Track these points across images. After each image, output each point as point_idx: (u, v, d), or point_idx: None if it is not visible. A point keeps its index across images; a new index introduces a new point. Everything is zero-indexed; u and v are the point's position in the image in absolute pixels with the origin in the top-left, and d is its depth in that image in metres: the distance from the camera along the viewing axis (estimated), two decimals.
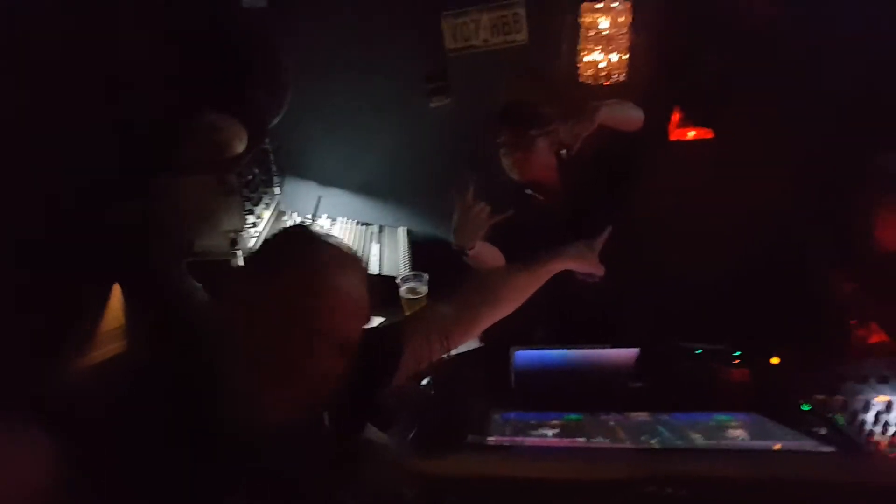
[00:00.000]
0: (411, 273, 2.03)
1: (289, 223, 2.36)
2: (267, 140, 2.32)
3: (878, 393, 1.41)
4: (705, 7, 2.15)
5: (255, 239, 2.03)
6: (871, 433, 1.29)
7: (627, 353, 1.51)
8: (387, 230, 2.47)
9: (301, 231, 0.95)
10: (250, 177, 2.06)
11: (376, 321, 2.04)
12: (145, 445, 0.74)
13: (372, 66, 2.31)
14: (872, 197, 1.78)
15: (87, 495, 0.67)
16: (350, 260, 0.89)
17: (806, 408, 1.42)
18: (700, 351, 1.70)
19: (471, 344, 1.87)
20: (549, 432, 1.26)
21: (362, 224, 2.47)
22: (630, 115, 1.86)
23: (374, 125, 2.41)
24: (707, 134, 2.42)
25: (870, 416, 1.34)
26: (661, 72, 2.25)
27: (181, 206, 1.90)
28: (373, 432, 1.11)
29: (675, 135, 2.46)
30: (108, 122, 1.70)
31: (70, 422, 0.71)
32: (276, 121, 2.31)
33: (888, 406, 1.35)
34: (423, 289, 1.99)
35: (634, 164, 1.94)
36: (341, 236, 2.34)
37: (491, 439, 1.25)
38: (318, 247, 0.88)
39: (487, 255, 1.76)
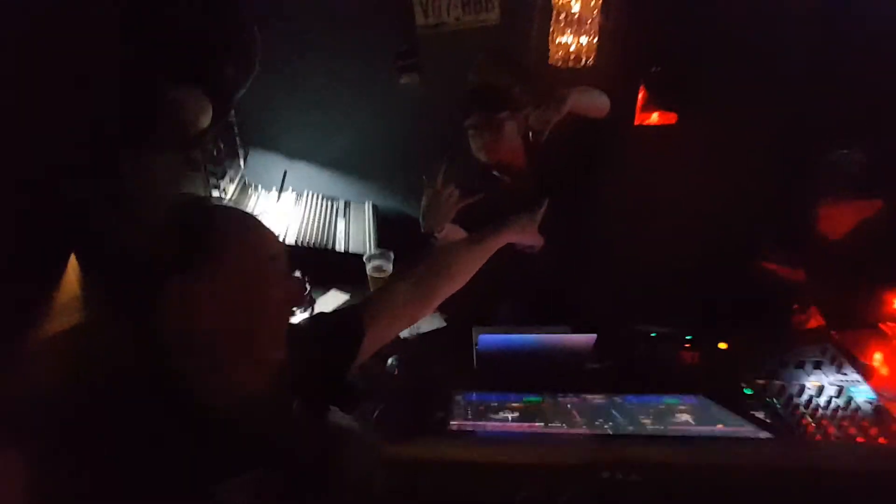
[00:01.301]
0: (377, 251, 2.05)
1: (253, 198, 2.34)
2: (232, 112, 2.29)
3: (812, 377, 1.53)
4: None
5: None
6: (803, 416, 1.40)
7: (586, 338, 1.58)
8: (353, 206, 2.48)
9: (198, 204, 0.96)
10: (215, 151, 2.02)
11: (340, 300, 2.08)
12: (126, 439, 0.76)
13: (342, 41, 2.27)
14: (819, 190, 1.88)
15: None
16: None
17: (748, 392, 1.52)
18: (654, 334, 1.79)
19: (435, 323, 1.93)
20: (509, 416, 1.33)
21: (328, 199, 2.47)
22: (597, 103, 1.90)
23: (344, 101, 2.38)
24: (669, 119, 2.49)
25: (803, 400, 1.45)
26: (629, 56, 2.29)
27: (148, 183, 1.87)
28: (338, 415, 1.15)
29: (639, 118, 2.53)
30: (75, 101, 1.65)
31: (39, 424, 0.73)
32: (241, 92, 2.27)
33: (819, 391, 1.46)
34: (389, 266, 2.02)
35: (600, 149, 1.99)
36: (307, 211, 2.34)
37: (453, 423, 1.31)
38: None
39: (455, 237, 1.80)
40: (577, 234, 1.97)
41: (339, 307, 1.24)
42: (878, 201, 1.81)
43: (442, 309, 1.94)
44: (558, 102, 1.75)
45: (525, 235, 1.52)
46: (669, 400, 1.49)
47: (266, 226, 0.92)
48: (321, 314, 1.18)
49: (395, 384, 1.67)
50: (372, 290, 2.03)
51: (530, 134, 1.97)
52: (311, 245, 2.10)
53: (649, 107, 2.52)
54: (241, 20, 2.22)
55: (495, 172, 2.04)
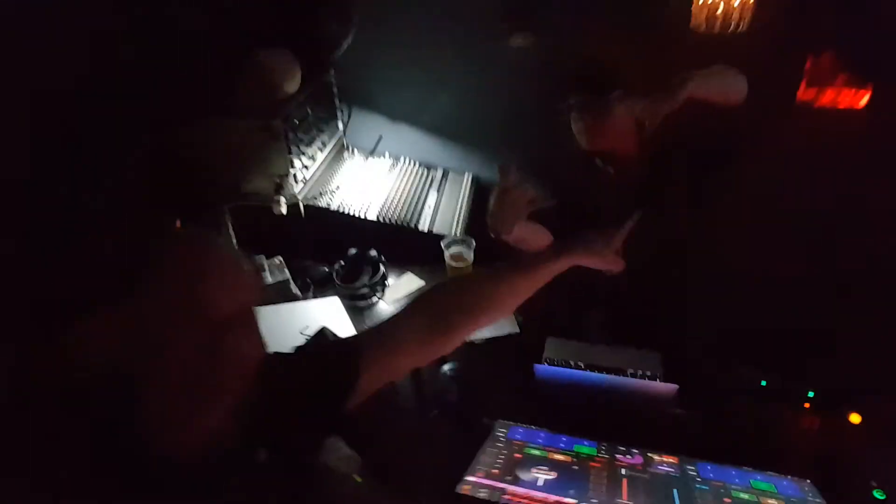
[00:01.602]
0: (459, 237, 1.88)
1: (348, 161, 2.25)
2: (332, 73, 2.19)
3: None
4: None
5: (304, 183, 1.96)
6: None
7: (666, 387, 1.31)
8: (451, 176, 2.30)
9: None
10: (301, 118, 1.94)
11: (414, 285, 1.94)
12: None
13: None
14: None
15: None
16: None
17: (880, 496, 1.17)
18: (765, 383, 1.46)
19: (506, 328, 1.74)
20: (543, 478, 1.13)
21: (426, 166, 2.31)
22: (730, 88, 1.52)
23: (447, 60, 2.16)
24: (854, 102, 1.96)
25: None
26: (796, 23, 1.80)
27: (227, 148, 1.85)
28: (336, 452, 1.04)
29: (804, 94, 2.02)
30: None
31: None
32: (341, 51, 2.15)
33: None
34: (470, 255, 1.85)
35: (731, 146, 1.61)
36: (400, 178, 2.22)
37: (469, 479, 1.14)
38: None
39: (532, 238, 1.57)
40: (683, 248, 1.64)
41: (338, 338, 1.09)
42: None
43: (518, 309, 1.75)
44: (674, 89, 1.41)
45: (598, 259, 1.22)
46: (762, 482, 1.19)
47: (235, 267, 0.78)
48: (313, 345, 1.04)
49: (451, 389, 1.53)
50: (449, 277, 1.88)
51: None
52: (393, 222, 1.98)
53: (826, 81, 1.99)
54: None
55: (598, 161, 1.75)
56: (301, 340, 1.02)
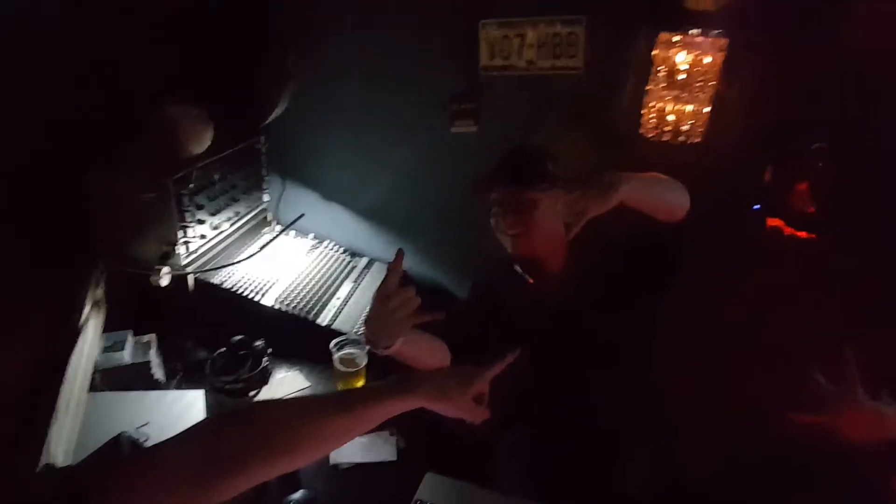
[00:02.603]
0: (354, 336, 1.62)
1: (266, 236, 2.04)
2: (262, 140, 2.03)
3: None
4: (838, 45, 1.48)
5: (198, 255, 1.74)
6: None
7: None
8: (375, 266, 2.08)
9: None
10: (208, 183, 1.75)
11: (297, 386, 1.64)
12: None
13: (393, 75, 1.91)
14: None
15: None
16: None
17: None
18: None
19: (383, 453, 1.45)
20: None
21: (350, 253, 2.10)
22: (669, 200, 1.32)
23: (388, 143, 2.01)
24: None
25: None
26: (755, 137, 1.63)
27: (112, 207, 1.65)
28: None
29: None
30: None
31: None
32: (272, 118, 2.00)
33: None
34: (363, 359, 1.58)
35: (679, 261, 1.40)
36: (321, 261, 1.99)
37: None
38: None
39: (421, 354, 1.30)
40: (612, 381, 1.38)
41: (74, 466, 0.83)
42: None
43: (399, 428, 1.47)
44: (605, 189, 1.20)
45: (448, 405, 0.97)
46: None
47: None
48: (34, 477, 0.77)
49: None
50: (339, 386, 1.61)
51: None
52: (290, 311, 1.73)
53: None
54: (285, 41, 1.97)
55: (516, 267, 1.52)
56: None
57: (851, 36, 1.45)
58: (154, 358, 1.63)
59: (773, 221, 1.73)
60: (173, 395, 1.54)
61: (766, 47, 1.55)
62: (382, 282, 1.16)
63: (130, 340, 1.63)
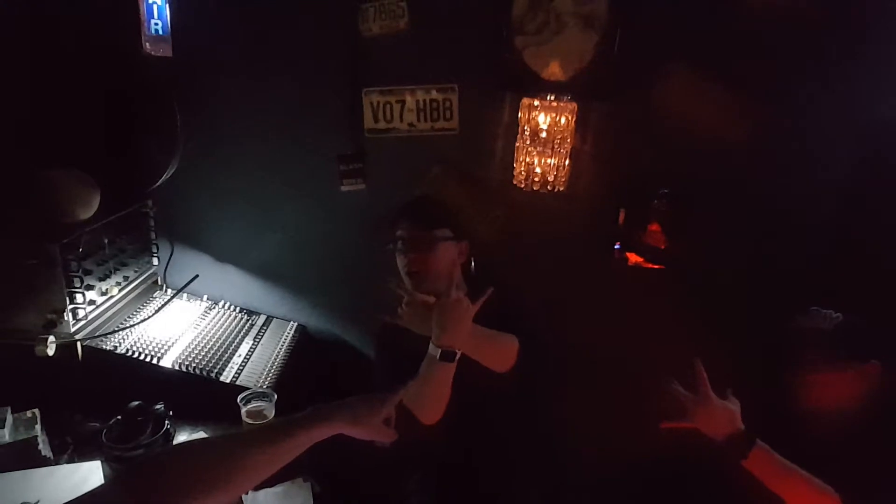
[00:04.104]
0: (260, 390, 1.65)
1: (162, 299, 2.01)
2: (150, 204, 2.02)
3: None
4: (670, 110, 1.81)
5: (87, 322, 1.68)
6: None
7: None
8: (274, 323, 2.11)
9: None
10: (95, 248, 1.72)
11: None
12: None
13: (282, 135, 2.01)
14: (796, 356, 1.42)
15: None
16: None
17: None
18: None
19: (296, 498, 1.47)
20: None
21: (246, 312, 2.11)
22: (496, 352, 1.45)
23: (278, 201, 2.08)
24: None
25: None
26: (606, 187, 1.92)
27: None
28: None
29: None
30: None
31: None
32: (162, 180, 2.01)
33: None
34: (271, 411, 1.61)
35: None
36: (217, 322, 1.99)
37: None
38: None
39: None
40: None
41: None
42: (873, 366, 1.34)
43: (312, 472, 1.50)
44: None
45: (362, 429, 1.07)
46: None
47: None
48: None
49: None
50: None
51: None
52: (191, 371, 1.71)
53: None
54: (173, 103, 2.01)
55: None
56: None
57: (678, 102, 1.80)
58: (39, 433, 1.53)
59: (633, 258, 2.02)
60: (66, 469, 1.46)
61: (612, 110, 1.86)
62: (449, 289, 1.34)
63: (9, 417, 1.53)
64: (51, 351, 1.57)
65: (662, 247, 1.95)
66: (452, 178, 1.94)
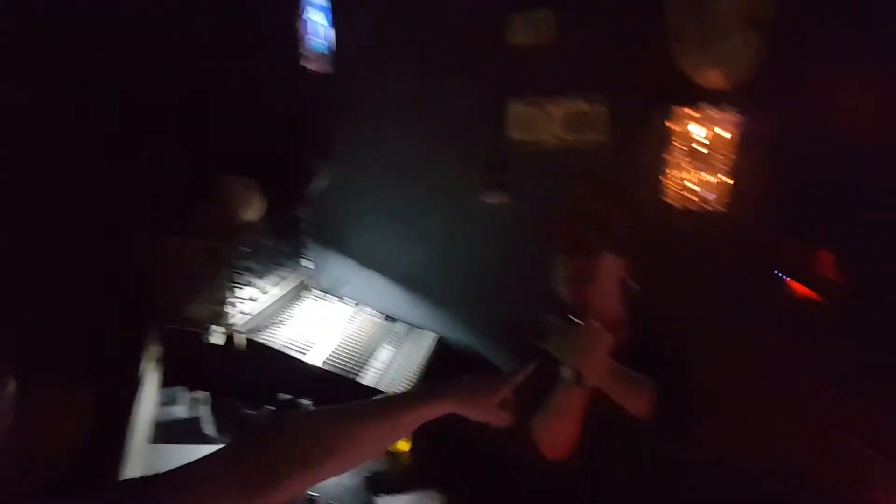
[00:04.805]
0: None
1: (310, 299, 2.15)
2: (304, 208, 2.18)
3: None
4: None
5: (248, 316, 1.84)
6: None
7: None
8: (414, 333, 2.16)
9: None
10: (257, 248, 1.88)
11: None
12: None
13: (429, 147, 2.07)
14: None
15: None
16: None
17: None
18: None
19: None
20: None
21: (388, 318, 2.19)
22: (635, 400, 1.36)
23: (424, 213, 2.15)
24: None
25: None
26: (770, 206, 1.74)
27: (169, 266, 1.77)
28: None
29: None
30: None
31: None
32: (315, 188, 2.16)
33: None
34: None
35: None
36: (359, 326, 2.08)
37: None
38: None
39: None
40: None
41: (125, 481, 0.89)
42: None
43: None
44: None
45: (476, 410, 1.03)
46: None
47: None
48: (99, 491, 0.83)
49: None
50: None
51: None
52: (337, 371, 1.81)
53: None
54: (329, 117, 2.16)
55: (571, 317, 1.60)
56: None
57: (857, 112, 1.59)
58: (206, 414, 1.70)
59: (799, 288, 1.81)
60: None
61: (780, 121, 1.68)
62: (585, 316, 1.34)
63: (184, 395, 1.71)
64: (219, 339, 1.74)
65: (834, 278, 1.73)
66: (596, 195, 1.87)
